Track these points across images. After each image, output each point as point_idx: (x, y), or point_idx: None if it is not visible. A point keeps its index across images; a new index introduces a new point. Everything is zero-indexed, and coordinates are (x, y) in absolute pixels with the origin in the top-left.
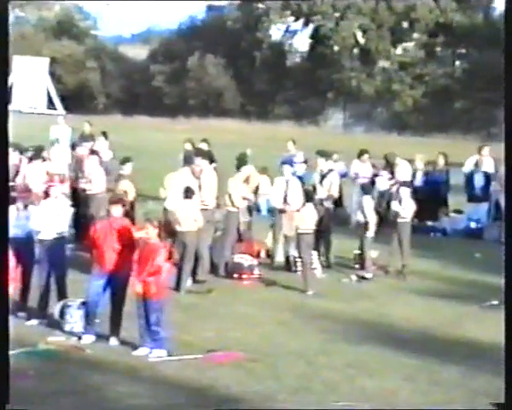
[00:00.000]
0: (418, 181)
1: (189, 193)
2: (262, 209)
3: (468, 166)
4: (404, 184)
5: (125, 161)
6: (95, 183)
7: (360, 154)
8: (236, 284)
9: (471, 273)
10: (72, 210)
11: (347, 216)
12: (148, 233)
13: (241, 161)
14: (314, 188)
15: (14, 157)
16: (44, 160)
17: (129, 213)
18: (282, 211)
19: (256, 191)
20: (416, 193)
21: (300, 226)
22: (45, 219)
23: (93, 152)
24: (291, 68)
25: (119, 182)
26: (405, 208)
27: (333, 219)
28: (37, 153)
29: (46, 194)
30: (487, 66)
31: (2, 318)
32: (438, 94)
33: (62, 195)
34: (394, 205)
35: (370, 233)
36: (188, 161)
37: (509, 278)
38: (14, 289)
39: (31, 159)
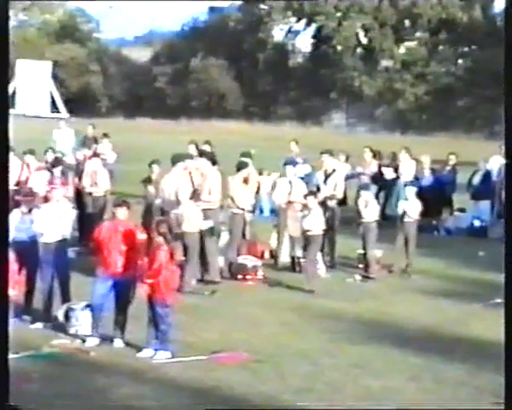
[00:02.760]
0: (424, 180)
1: (191, 194)
2: (264, 210)
3: (493, 166)
4: (409, 183)
5: (151, 163)
6: (99, 185)
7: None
8: (240, 285)
9: (475, 272)
10: (74, 213)
11: (351, 216)
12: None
13: (242, 164)
14: (318, 188)
15: (16, 162)
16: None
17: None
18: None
19: (257, 192)
20: (422, 192)
21: (310, 228)
22: (47, 222)
23: (96, 154)
24: (294, 69)
25: (147, 184)
26: (411, 208)
27: (337, 219)
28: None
29: (48, 197)
30: (490, 63)
31: (2, 318)
32: (440, 92)
33: (64, 198)
34: (401, 205)
35: (369, 219)
36: (175, 161)
37: (510, 276)
38: (18, 292)
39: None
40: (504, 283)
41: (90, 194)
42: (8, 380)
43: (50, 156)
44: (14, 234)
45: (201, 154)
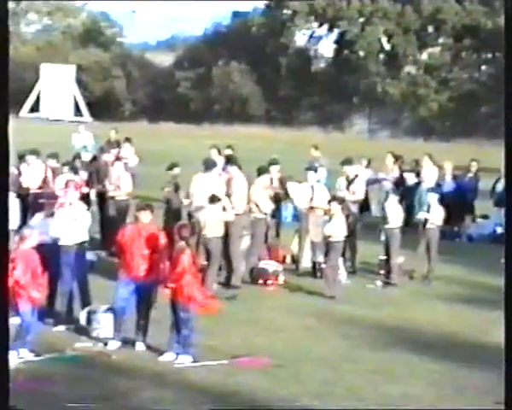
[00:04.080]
0: (446, 187)
1: (214, 199)
2: (287, 216)
3: None
4: (432, 189)
5: (172, 166)
6: (121, 188)
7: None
8: (261, 290)
9: (497, 279)
10: (89, 215)
11: (373, 221)
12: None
13: (262, 169)
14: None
15: (40, 165)
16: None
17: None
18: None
19: (277, 198)
20: (444, 199)
21: (333, 235)
22: (63, 225)
23: (119, 158)
24: (316, 74)
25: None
26: (434, 214)
27: (358, 225)
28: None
29: (63, 200)
30: None
31: (2, 318)
32: (463, 98)
33: (78, 201)
34: (421, 214)
35: (393, 225)
36: (208, 167)
37: (510, 277)
38: (41, 294)
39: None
40: (504, 284)
41: (113, 198)
42: (8, 383)
43: (86, 156)
44: (38, 237)
45: (228, 159)
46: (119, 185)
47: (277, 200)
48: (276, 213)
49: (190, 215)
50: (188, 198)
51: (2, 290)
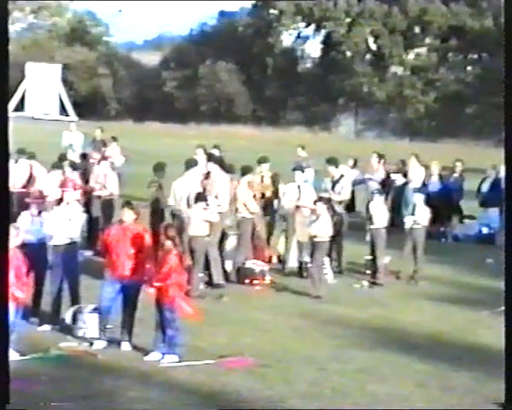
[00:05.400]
0: (432, 187)
1: (199, 198)
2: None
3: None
4: (418, 190)
5: (157, 167)
6: (107, 188)
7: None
8: (248, 290)
9: (483, 279)
10: (84, 216)
11: (360, 221)
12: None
13: (246, 168)
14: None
15: (26, 164)
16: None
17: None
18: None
19: (263, 196)
20: (430, 199)
21: (318, 234)
22: (58, 224)
23: (104, 157)
24: (302, 74)
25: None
26: (420, 214)
27: (344, 225)
28: (60, 161)
29: (59, 200)
30: (499, 71)
31: (2, 318)
32: (449, 99)
33: (75, 201)
34: (409, 217)
35: (378, 225)
36: (189, 166)
37: (510, 278)
38: (26, 294)
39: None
40: (505, 284)
41: (99, 197)
42: (8, 382)
43: (71, 155)
44: (23, 236)
45: (209, 158)
46: (105, 185)
47: (270, 198)
48: (269, 211)
49: (174, 215)
50: (169, 198)
51: (2, 290)
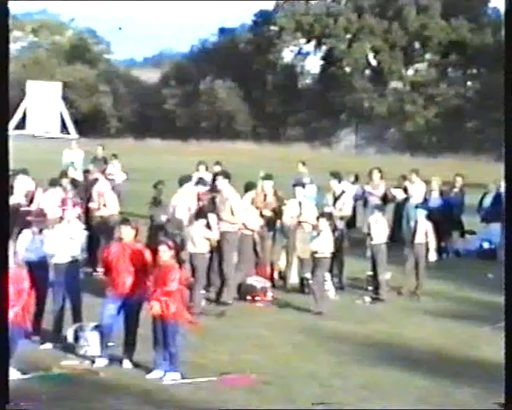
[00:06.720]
0: (433, 202)
1: (199, 215)
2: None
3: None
4: (420, 205)
5: (157, 184)
6: (107, 206)
7: (370, 172)
8: (250, 306)
9: (484, 294)
10: (85, 234)
11: (361, 237)
12: (162, 255)
13: (249, 185)
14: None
15: (30, 183)
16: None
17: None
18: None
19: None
20: (431, 214)
21: (319, 251)
22: (59, 242)
23: (105, 175)
24: (303, 90)
25: (153, 205)
26: (422, 230)
27: (346, 240)
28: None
29: (60, 218)
30: (499, 86)
31: (2, 318)
32: (450, 114)
33: (76, 218)
34: (410, 228)
35: (378, 241)
36: (182, 182)
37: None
38: (28, 313)
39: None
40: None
41: (100, 215)
42: (8, 382)
43: (72, 173)
44: (24, 254)
45: (219, 174)
46: (105, 203)
47: (273, 215)
48: (273, 228)
49: (172, 232)
50: (167, 214)
51: (2, 294)
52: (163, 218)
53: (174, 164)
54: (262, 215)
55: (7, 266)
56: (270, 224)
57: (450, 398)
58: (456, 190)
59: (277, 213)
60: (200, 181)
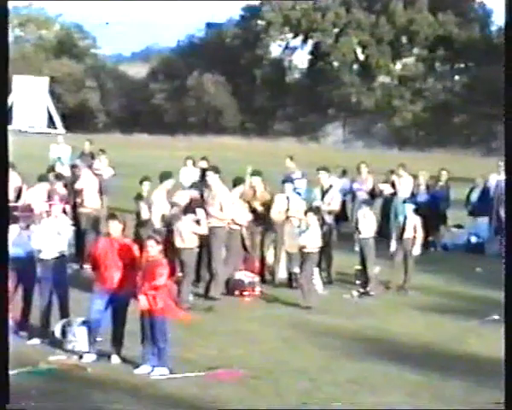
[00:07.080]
0: (420, 197)
1: (187, 210)
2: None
3: (492, 182)
4: (407, 200)
5: (143, 180)
6: (95, 201)
7: (358, 167)
8: (238, 301)
9: (472, 288)
10: (72, 229)
11: (350, 231)
12: (149, 250)
13: (237, 180)
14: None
15: (16, 178)
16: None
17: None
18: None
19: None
20: (418, 208)
21: (307, 245)
22: (46, 238)
23: (92, 170)
24: (291, 85)
25: (138, 201)
26: (410, 225)
27: (334, 235)
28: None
29: (47, 213)
30: (486, 80)
31: (2, 318)
32: (437, 109)
33: (62, 213)
34: (398, 223)
35: (366, 235)
36: (163, 178)
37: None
38: (15, 308)
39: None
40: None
41: (87, 210)
42: (8, 382)
43: (60, 168)
44: (11, 250)
45: (204, 171)
46: (93, 198)
47: (262, 210)
48: (261, 223)
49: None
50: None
51: (2, 293)
52: (146, 214)
53: (162, 159)
54: (252, 210)
55: (6, 266)
56: (259, 218)
57: (440, 392)
58: (441, 183)
59: (267, 207)
60: (194, 185)
